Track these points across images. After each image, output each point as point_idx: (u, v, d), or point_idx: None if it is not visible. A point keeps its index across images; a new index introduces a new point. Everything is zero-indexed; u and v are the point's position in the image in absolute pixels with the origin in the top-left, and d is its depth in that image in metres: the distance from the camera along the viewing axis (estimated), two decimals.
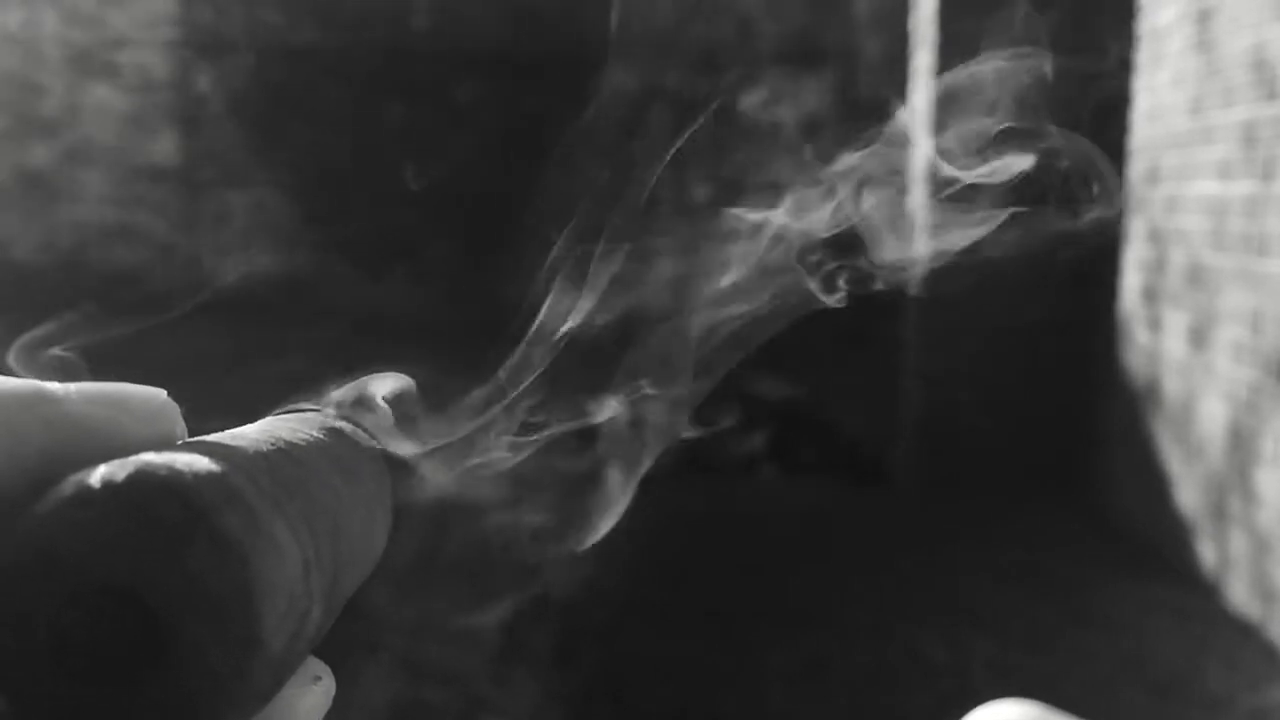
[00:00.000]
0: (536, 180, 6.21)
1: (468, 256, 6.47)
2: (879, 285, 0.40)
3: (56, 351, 0.31)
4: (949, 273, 0.44)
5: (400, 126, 6.75)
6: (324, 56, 6.76)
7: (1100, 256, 3.65)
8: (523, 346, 0.37)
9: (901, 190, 0.41)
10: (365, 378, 0.33)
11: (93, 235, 7.05)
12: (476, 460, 0.35)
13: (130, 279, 6.97)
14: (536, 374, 0.37)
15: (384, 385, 0.33)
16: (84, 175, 7.03)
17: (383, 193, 6.80)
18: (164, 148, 6.97)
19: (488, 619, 2.67)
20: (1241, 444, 2.81)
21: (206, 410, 0.28)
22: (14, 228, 7.06)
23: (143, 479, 0.21)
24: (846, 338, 3.89)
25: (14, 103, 6.99)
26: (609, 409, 0.37)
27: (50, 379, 0.25)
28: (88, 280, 6.96)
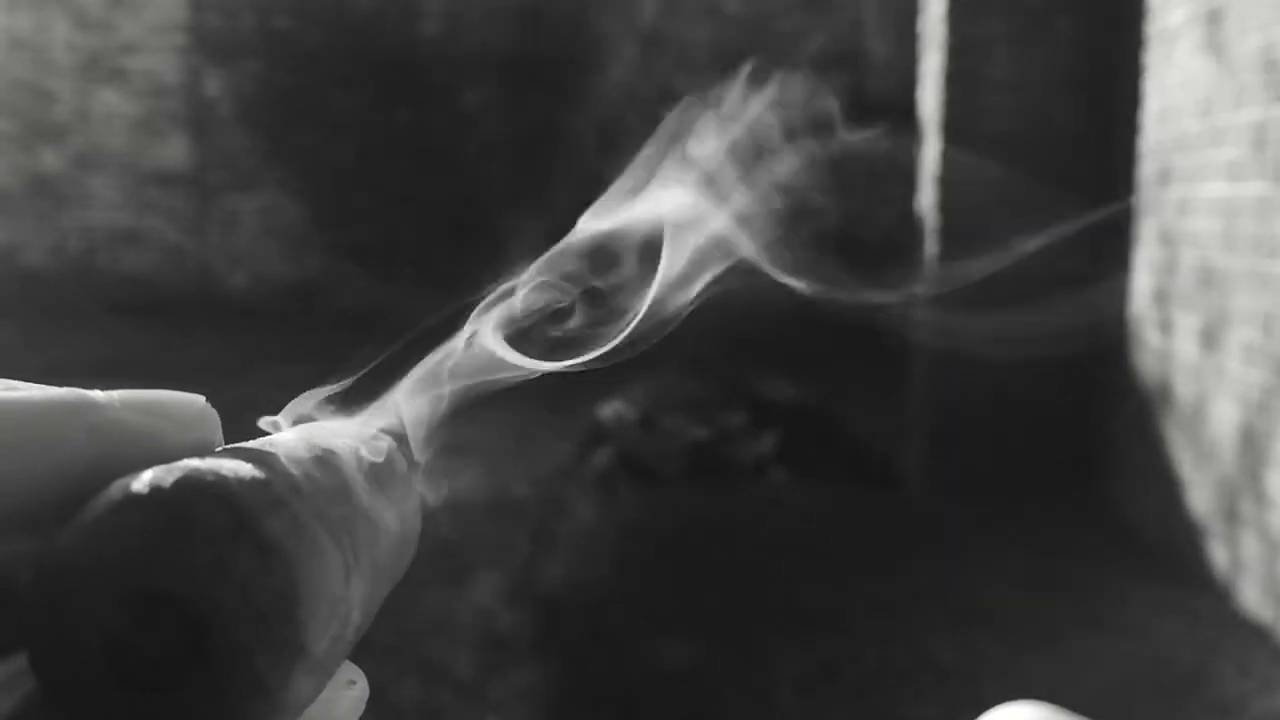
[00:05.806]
0: (542, 183, 6.22)
1: (473, 259, 6.47)
2: None
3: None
4: (959, 276, 0.43)
5: (408, 131, 6.76)
6: (332, 62, 6.78)
7: (1111, 258, 3.64)
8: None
9: None
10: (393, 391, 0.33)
11: (102, 240, 7.07)
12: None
13: (140, 283, 6.99)
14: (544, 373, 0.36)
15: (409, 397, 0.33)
16: (94, 180, 7.05)
17: (391, 196, 6.81)
18: (173, 153, 6.99)
19: (496, 621, 2.68)
20: (1253, 446, 2.80)
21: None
22: (25, 232, 7.08)
23: (189, 484, 0.21)
24: (856, 340, 3.89)
25: (25, 108, 7.02)
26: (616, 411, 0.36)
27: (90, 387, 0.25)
28: (97, 285, 6.98)
